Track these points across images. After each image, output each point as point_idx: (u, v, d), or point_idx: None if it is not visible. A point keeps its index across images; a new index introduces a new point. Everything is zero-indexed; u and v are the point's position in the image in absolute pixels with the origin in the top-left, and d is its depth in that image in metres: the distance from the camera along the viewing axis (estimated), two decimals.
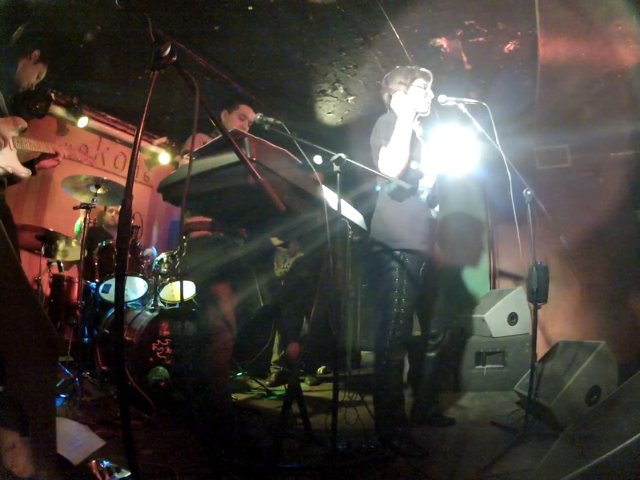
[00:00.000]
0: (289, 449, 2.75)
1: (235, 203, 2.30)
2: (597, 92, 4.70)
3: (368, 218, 3.06)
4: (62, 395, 3.54)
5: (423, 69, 3.29)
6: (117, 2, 3.87)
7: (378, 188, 4.99)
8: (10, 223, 3.10)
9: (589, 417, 2.37)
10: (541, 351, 3.83)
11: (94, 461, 2.03)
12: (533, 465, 2.37)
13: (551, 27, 4.05)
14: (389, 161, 3.00)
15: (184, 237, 3.13)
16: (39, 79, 3.31)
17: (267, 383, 5.06)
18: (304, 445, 2.92)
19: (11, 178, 3.02)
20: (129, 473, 1.93)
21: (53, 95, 5.64)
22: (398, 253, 3.07)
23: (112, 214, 5.75)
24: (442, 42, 4.55)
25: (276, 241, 3.29)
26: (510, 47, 4.54)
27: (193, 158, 1.72)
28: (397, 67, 3.40)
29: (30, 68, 3.22)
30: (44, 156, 3.32)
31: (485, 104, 3.11)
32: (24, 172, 3.08)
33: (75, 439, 2.22)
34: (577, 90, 4.72)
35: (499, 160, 3.13)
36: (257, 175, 1.73)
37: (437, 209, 3.30)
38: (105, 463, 2.05)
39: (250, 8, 4.16)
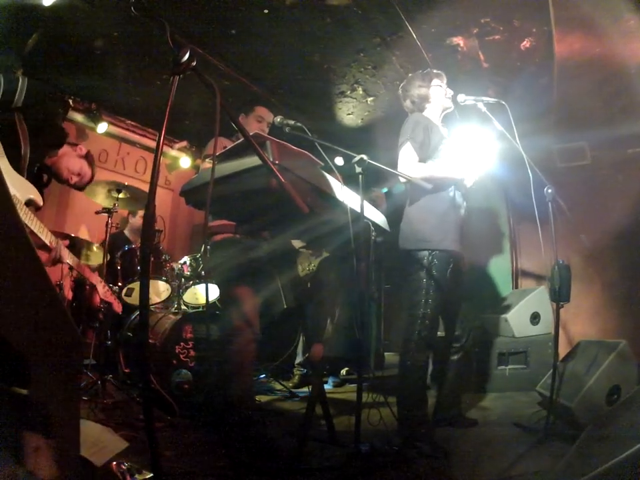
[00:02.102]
0: (311, 450, 2.74)
1: (257, 205, 2.31)
2: (614, 88, 4.64)
3: (389, 218, 3.06)
4: (84, 397, 3.57)
5: (435, 71, 3.36)
6: (132, 8, 3.91)
7: (385, 190, 4.98)
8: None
9: (608, 417, 2.35)
10: (563, 350, 3.79)
11: (115, 463, 2.04)
12: (554, 465, 2.36)
13: (565, 23, 4.02)
14: (422, 168, 3.06)
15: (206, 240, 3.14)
16: (81, 181, 3.16)
17: (290, 384, 5.07)
18: (326, 446, 2.91)
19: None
20: (151, 474, 1.94)
21: (70, 101, 5.72)
22: (427, 253, 3.07)
23: (135, 219, 5.79)
24: (459, 41, 4.53)
25: (298, 244, 3.30)
26: (526, 44, 4.51)
27: (215, 162, 1.72)
28: (410, 74, 3.46)
29: (72, 159, 3.11)
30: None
31: (503, 102, 3.10)
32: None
33: (98, 440, 2.24)
34: (594, 86, 4.67)
35: (519, 158, 3.11)
36: (280, 178, 1.73)
37: (464, 208, 3.30)
38: (126, 464, 2.06)
39: (266, 11, 4.18)
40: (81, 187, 3.28)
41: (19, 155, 2.66)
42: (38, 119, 2.74)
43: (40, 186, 2.89)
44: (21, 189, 2.60)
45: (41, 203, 2.73)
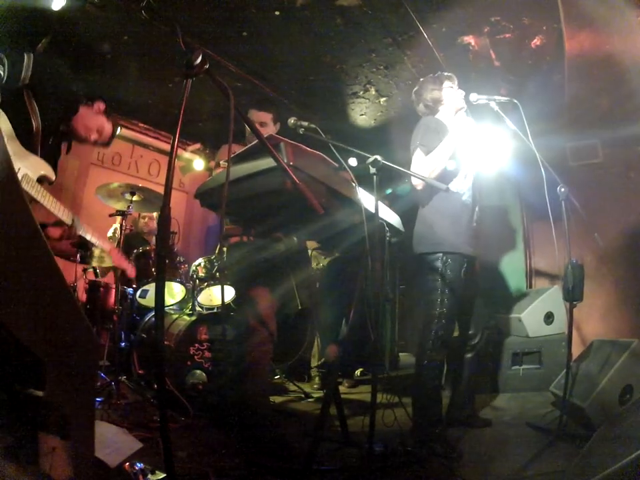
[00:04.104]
0: (325, 450, 2.75)
1: (272, 206, 2.32)
2: (626, 86, 4.60)
3: (402, 218, 3.06)
4: (98, 399, 3.59)
5: (446, 73, 3.39)
6: (143, 12, 3.92)
7: (389, 191, 4.97)
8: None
9: (620, 416, 2.34)
10: (577, 350, 3.77)
11: (128, 463, 2.05)
12: (566, 466, 2.35)
13: (575, 20, 3.99)
14: (426, 164, 3.06)
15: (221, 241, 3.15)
16: (101, 137, 3.06)
17: (315, 386, 5.12)
18: (340, 446, 2.92)
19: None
20: (164, 475, 1.95)
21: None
22: (441, 255, 3.08)
23: (145, 220, 5.82)
24: (470, 40, 4.51)
25: (312, 245, 3.30)
26: (537, 42, 4.48)
27: (230, 164, 1.73)
28: (422, 79, 3.48)
29: (89, 117, 2.99)
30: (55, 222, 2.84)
31: (515, 101, 3.09)
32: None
33: (113, 441, 2.26)
34: (605, 84, 4.64)
35: (531, 157, 3.10)
36: (295, 179, 1.74)
37: (477, 209, 3.29)
38: (139, 464, 2.07)
39: (277, 13, 4.19)
40: (104, 143, 3.18)
41: (31, 132, 2.63)
42: (47, 92, 2.71)
43: (57, 159, 2.89)
44: (32, 168, 2.59)
45: (53, 177, 2.71)
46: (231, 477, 2.35)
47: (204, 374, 3.86)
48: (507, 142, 3.40)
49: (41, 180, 2.65)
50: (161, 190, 2.50)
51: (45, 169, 2.68)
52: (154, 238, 5.62)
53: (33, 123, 2.65)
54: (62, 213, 2.74)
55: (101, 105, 3.06)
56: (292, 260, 3.09)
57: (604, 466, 1.76)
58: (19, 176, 2.48)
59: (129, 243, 4.89)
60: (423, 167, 3.08)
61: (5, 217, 1.23)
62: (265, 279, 2.98)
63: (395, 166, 2.56)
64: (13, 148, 2.48)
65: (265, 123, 3.41)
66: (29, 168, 2.57)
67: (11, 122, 2.47)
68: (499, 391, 4.45)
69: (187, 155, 7.27)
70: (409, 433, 2.95)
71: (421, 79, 3.48)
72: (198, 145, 7.19)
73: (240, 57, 4.87)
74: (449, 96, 3.32)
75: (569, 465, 2.24)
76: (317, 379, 5.24)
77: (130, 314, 4.62)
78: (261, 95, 5.28)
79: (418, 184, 3.05)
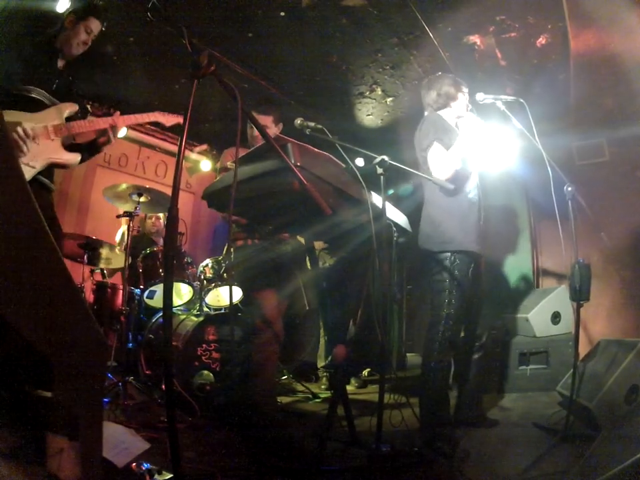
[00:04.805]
0: (332, 450, 2.75)
1: (279, 207, 2.33)
2: (632, 85, 4.59)
3: (409, 218, 3.06)
4: (105, 399, 3.60)
5: (458, 79, 3.39)
6: (148, 14, 3.92)
7: (391, 191, 4.95)
8: (57, 231, 3.11)
9: (626, 417, 2.33)
10: (584, 349, 3.76)
11: (135, 463, 2.06)
12: (572, 466, 2.35)
13: (579, 19, 3.99)
14: (448, 158, 3.05)
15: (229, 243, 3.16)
16: (89, 34, 3.16)
17: (323, 386, 5.11)
18: (348, 446, 2.92)
19: (57, 166, 3.01)
20: (171, 475, 1.96)
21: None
22: (449, 254, 3.07)
23: (152, 220, 5.83)
24: (475, 39, 4.51)
25: (319, 245, 3.30)
26: (542, 40, 4.47)
27: (234, 166, 1.74)
28: (439, 73, 3.46)
29: (78, 34, 3.12)
30: (100, 134, 3.14)
31: (522, 100, 3.09)
32: (68, 160, 2.99)
33: (120, 441, 2.26)
34: (611, 82, 4.63)
35: (538, 156, 3.09)
36: (303, 180, 1.74)
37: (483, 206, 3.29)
38: (147, 464, 2.08)
39: (282, 13, 4.19)
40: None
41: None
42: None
43: (71, 93, 3.16)
44: (57, 115, 2.91)
45: (76, 108, 3.01)
46: (238, 477, 2.36)
47: (211, 374, 3.87)
48: (513, 141, 3.39)
49: (70, 118, 2.98)
50: (167, 191, 2.51)
51: (67, 108, 2.98)
52: (161, 239, 5.63)
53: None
54: (100, 123, 3.07)
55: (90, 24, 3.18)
56: (299, 260, 3.10)
57: (609, 466, 1.76)
58: (51, 126, 2.86)
59: (136, 244, 4.90)
60: (445, 160, 3.05)
61: (11, 216, 1.23)
62: (272, 279, 2.99)
63: (402, 166, 2.56)
64: (30, 125, 2.78)
65: (266, 125, 3.41)
66: (54, 118, 2.90)
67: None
68: (505, 391, 4.44)
69: (193, 156, 7.29)
70: (417, 433, 2.95)
71: (439, 73, 3.48)
72: (205, 146, 7.20)
73: (245, 58, 4.87)
74: (462, 99, 3.32)
75: (575, 465, 2.24)
76: (324, 379, 5.24)
77: (137, 315, 4.63)
78: (260, 98, 5.28)
79: (446, 174, 3.02)
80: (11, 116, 2.75)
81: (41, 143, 2.86)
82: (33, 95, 2.91)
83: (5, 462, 1.26)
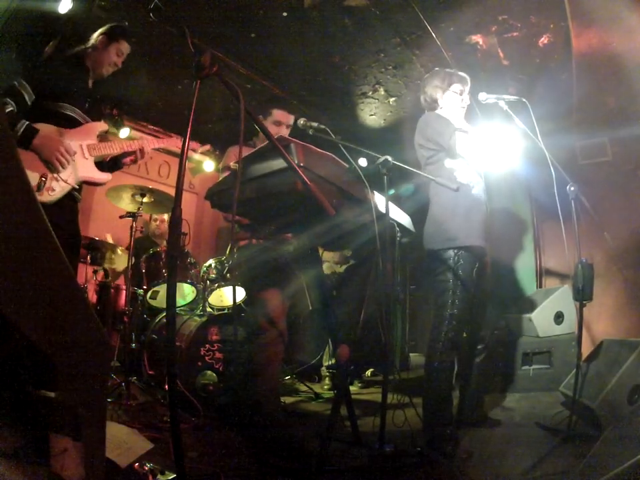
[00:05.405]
0: (335, 451, 2.74)
1: (282, 207, 2.33)
2: (632, 84, 4.58)
3: (412, 218, 3.06)
4: (108, 399, 3.60)
5: (461, 73, 3.31)
6: (151, 14, 3.94)
7: (392, 191, 4.96)
8: (77, 242, 3.25)
9: (629, 417, 2.32)
10: (586, 349, 3.75)
11: (138, 463, 2.06)
12: (575, 466, 2.34)
13: (581, 18, 3.99)
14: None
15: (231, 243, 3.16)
16: (119, 56, 3.28)
17: (326, 386, 5.12)
18: (350, 446, 2.92)
19: (89, 184, 3.09)
20: (174, 475, 1.96)
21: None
22: (453, 253, 3.04)
23: (157, 223, 5.85)
24: (478, 39, 4.51)
25: (329, 256, 3.28)
26: (544, 40, 4.47)
27: (237, 167, 1.74)
28: (436, 68, 3.41)
29: (108, 53, 3.22)
30: (125, 154, 3.26)
31: (524, 100, 3.08)
32: (100, 178, 3.08)
33: (123, 442, 2.26)
34: (613, 82, 4.62)
35: (541, 156, 3.09)
36: (307, 180, 1.74)
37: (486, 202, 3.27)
38: (150, 464, 2.08)
39: (285, 14, 4.20)
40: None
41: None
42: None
43: (100, 113, 3.32)
44: (86, 138, 3.00)
45: (106, 127, 3.17)
46: (241, 477, 2.35)
47: (214, 374, 3.87)
48: (516, 141, 3.39)
49: (101, 136, 3.10)
50: (171, 191, 2.51)
51: (99, 127, 3.10)
52: (164, 241, 5.64)
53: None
54: (131, 146, 3.20)
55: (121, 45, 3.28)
56: (302, 260, 3.09)
57: (611, 466, 1.76)
58: (84, 146, 2.96)
59: (139, 246, 4.91)
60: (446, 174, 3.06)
61: (14, 216, 1.23)
62: (275, 279, 2.99)
63: (405, 166, 2.55)
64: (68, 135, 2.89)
65: (289, 123, 3.36)
66: (87, 137, 3.01)
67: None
68: (508, 391, 4.43)
69: (197, 156, 7.25)
70: (420, 433, 2.94)
71: (436, 69, 3.42)
72: (208, 147, 7.17)
73: (248, 58, 4.88)
74: (450, 101, 3.27)
75: (578, 465, 2.23)
76: (327, 379, 5.24)
77: (140, 315, 4.64)
78: (271, 96, 5.28)
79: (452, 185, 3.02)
80: (48, 130, 2.81)
81: (77, 160, 2.92)
82: (68, 112, 2.97)
83: (7, 462, 1.25)
